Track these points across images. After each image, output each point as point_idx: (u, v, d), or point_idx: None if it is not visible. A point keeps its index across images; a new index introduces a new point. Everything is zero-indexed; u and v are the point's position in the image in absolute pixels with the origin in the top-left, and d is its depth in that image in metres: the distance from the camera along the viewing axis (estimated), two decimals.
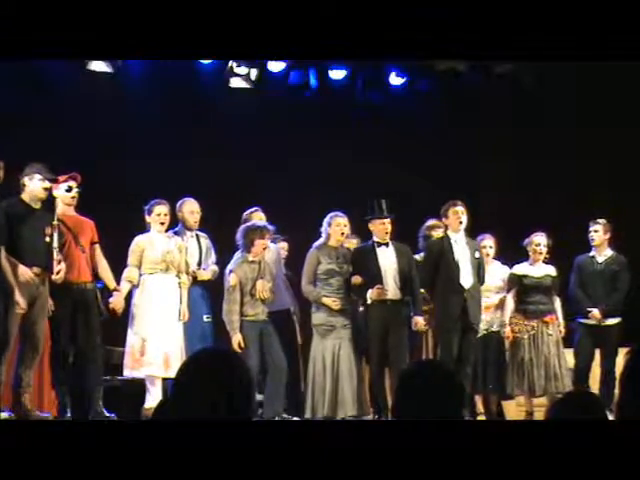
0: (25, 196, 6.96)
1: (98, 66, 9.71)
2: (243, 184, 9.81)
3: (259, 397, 7.62)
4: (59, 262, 7.01)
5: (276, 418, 7.56)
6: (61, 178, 7.29)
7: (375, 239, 8.03)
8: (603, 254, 8.57)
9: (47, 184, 7.00)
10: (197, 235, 8.17)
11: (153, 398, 7.42)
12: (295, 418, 7.76)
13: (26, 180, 6.96)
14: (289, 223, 8.62)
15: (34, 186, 6.96)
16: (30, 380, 6.93)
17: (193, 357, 2.74)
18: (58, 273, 6.99)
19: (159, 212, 7.76)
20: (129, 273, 7.64)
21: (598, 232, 8.55)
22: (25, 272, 6.76)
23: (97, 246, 7.41)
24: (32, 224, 6.93)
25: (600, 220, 8.55)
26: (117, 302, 7.39)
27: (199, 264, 8.09)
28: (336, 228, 8.04)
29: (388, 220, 7.99)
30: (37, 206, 6.97)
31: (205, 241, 8.20)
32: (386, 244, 8.00)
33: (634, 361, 2.96)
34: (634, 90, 9.75)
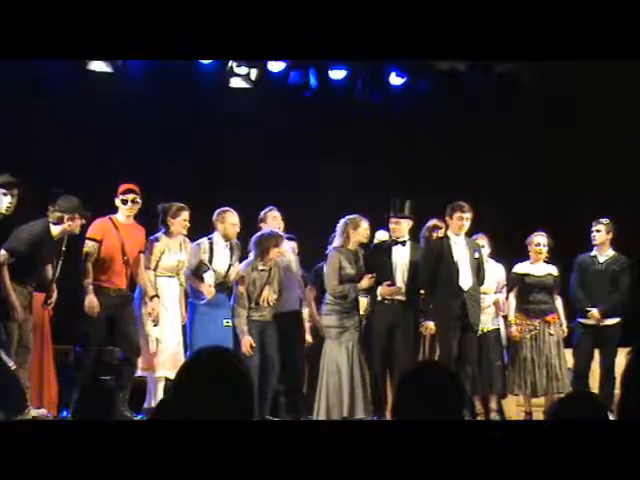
0: (56, 228, 7.00)
1: (98, 66, 9.71)
2: (243, 183, 9.81)
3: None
4: (53, 292, 7.19)
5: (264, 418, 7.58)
6: (120, 188, 7.41)
7: (392, 236, 8.07)
8: (605, 254, 8.55)
9: (83, 221, 7.13)
10: (231, 244, 8.09)
11: (154, 398, 7.44)
12: (273, 418, 7.77)
13: (66, 217, 7.00)
14: (288, 222, 8.61)
15: (75, 225, 7.06)
16: (25, 380, 6.96)
17: (193, 357, 2.73)
18: (50, 304, 7.19)
19: (185, 217, 7.76)
20: (149, 276, 7.66)
21: (600, 232, 8.52)
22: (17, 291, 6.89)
23: (141, 255, 7.55)
24: (47, 253, 7.03)
25: (603, 220, 8.51)
26: (156, 308, 7.50)
27: (227, 272, 8.05)
28: (363, 232, 8.07)
29: (405, 220, 8.02)
30: (56, 237, 7.02)
31: (237, 252, 8.12)
32: (403, 242, 8.04)
33: (635, 361, 2.96)
34: (634, 90, 9.75)
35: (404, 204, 8.06)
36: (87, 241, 7.33)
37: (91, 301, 7.21)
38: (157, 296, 7.54)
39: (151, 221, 7.86)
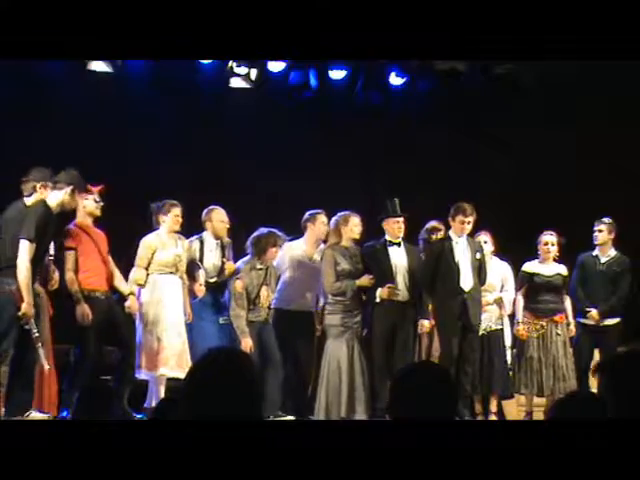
0: (57, 206, 6.89)
1: (98, 66, 9.71)
2: (243, 183, 9.81)
3: None
4: (54, 272, 7.10)
5: (276, 417, 7.58)
6: (94, 189, 7.34)
7: (387, 238, 8.06)
8: (606, 254, 8.52)
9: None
10: (222, 243, 8.06)
11: (156, 398, 7.43)
12: (292, 418, 7.77)
13: (69, 190, 6.92)
14: (288, 222, 8.61)
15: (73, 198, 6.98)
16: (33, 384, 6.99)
17: (205, 357, 2.72)
18: (53, 285, 7.07)
19: (177, 213, 7.71)
20: (138, 275, 7.63)
21: (602, 232, 8.49)
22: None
23: (109, 256, 7.50)
24: (53, 233, 6.96)
25: (605, 219, 8.48)
26: (134, 305, 7.47)
27: (220, 271, 8.04)
28: (354, 228, 8.05)
29: (402, 219, 8.01)
30: (56, 211, 6.96)
31: (229, 250, 8.09)
32: (398, 243, 8.04)
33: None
34: (634, 90, 9.75)
35: (396, 203, 8.04)
36: (64, 251, 7.25)
37: (83, 310, 7.18)
38: (132, 293, 7.49)
39: (145, 220, 7.86)
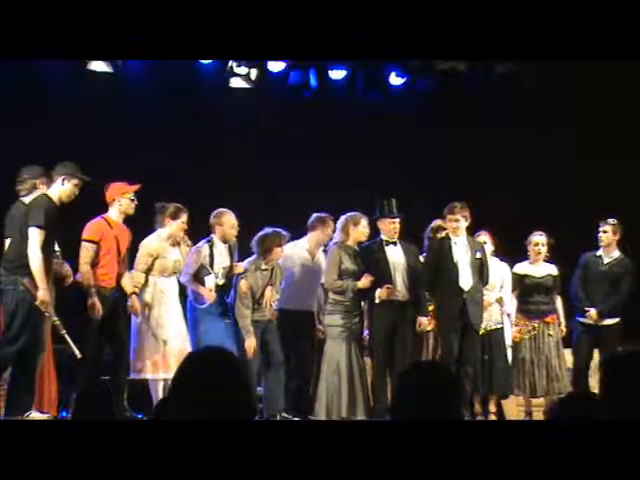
0: (57, 197, 6.87)
1: (98, 66, 9.71)
2: (242, 183, 9.81)
3: (259, 389, 7.70)
4: (62, 265, 7.07)
5: (278, 417, 7.59)
6: (131, 187, 7.36)
7: (383, 237, 8.06)
8: (610, 255, 8.48)
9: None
10: (230, 245, 8.01)
11: (156, 398, 7.43)
12: (295, 418, 7.77)
13: (73, 181, 6.91)
14: (288, 222, 8.61)
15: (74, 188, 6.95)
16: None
17: (192, 357, 2.73)
18: (67, 280, 7.03)
19: (184, 220, 7.72)
20: (138, 279, 7.61)
21: (607, 233, 8.44)
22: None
23: (128, 253, 7.53)
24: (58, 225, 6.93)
25: (610, 220, 8.43)
26: (136, 305, 7.48)
27: (228, 272, 8.01)
28: (364, 230, 8.07)
29: (398, 220, 8.02)
30: (63, 202, 6.95)
31: (236, 252, 8.10)
32: (394, 243, 8.04)
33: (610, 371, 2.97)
34: (634, 90, 9.75)
35: (392, 203, 8.05)
36: (84, 243, 7.26)
37: (94, 303, 7.17)
38: (135, 293, 7.51)
39: (147, 221, 7.85)
